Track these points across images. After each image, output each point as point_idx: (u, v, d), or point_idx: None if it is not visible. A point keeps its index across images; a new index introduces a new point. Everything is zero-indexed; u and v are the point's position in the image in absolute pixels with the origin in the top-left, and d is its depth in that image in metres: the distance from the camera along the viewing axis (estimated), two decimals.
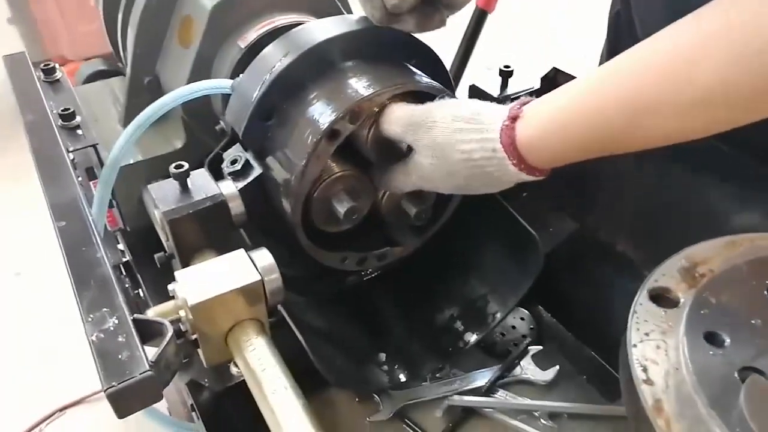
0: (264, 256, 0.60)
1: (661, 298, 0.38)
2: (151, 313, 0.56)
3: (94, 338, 0.51)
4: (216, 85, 0.76)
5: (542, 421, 0.75)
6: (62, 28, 2.43)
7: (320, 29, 0.69)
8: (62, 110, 0.86)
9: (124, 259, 1.00)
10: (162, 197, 0.65)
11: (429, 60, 0.75)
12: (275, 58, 0.68)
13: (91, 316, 0.53)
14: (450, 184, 0.62)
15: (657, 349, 0.35)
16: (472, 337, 0.81)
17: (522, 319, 0.87)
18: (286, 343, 0.67)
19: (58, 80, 0.97)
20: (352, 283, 0.83)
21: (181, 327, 0.58)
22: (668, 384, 0.33)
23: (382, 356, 0.80)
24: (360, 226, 0.74)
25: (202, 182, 0.66)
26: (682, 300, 0.37)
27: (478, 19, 1.18)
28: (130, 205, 0.91)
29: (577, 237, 0.86)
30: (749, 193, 0.67)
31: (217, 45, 0.85)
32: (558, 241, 0.85)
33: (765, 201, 0.63)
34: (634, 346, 0.35)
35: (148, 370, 0.48)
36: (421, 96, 0.69)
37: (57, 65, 0.99)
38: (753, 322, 0.35)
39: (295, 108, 0.67)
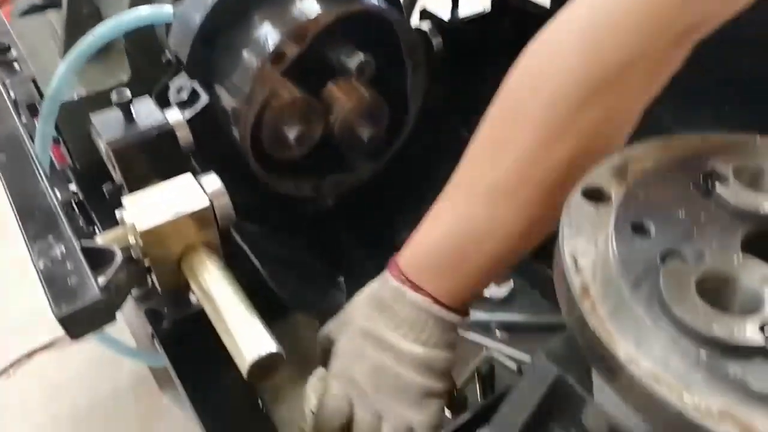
0: (212, 181, 0.60)
1: (594, 196, 0.39)
2: (100, 240, 0.56)
3: (41, 265, 0.51)
4: (157, 11, 0.73)
5: (497, 332, 0.78)
6: None
7: None
8: None
9: (77, 199, 0.98)
10: (106, 127, 0.63)
11: None
12: None
13: (37, 244, 0.52)
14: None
15: (587, 242, 0.36)
16: None
17: None
18: (245, 274, 0.68)
19: None
20: (310, 211, 0.84)
21: (132, 254, 0.58)
22: (595, 272, 0.34)
23: (341, 279, 0.81)
24: (313, 152, 0.74)
25: (147, 111, 0.65)
26: (613, 197, 0.39)
27: None
28: (77, 142, 0.88)
29: None
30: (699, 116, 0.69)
31: None
32: None
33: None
34: (566, 240, 0.36)
35: (98, 294, 0.48)
36: (369, 16, 0.68)
37: None
38: (677, 213, 0.37)
39: (239, 32, 0.66)
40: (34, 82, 0.81)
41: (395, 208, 0.86)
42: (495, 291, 0.82)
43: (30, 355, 1.43)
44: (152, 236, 0.55)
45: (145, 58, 0.89)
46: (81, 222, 0.92)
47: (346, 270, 0.82)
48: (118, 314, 0.53)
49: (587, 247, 0.36)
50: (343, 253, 0.83)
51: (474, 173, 0.54)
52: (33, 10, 1.12)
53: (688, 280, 0.32)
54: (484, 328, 0.79)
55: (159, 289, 0.60)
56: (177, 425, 1.23)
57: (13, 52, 0.83)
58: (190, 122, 0.67)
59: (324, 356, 0.60)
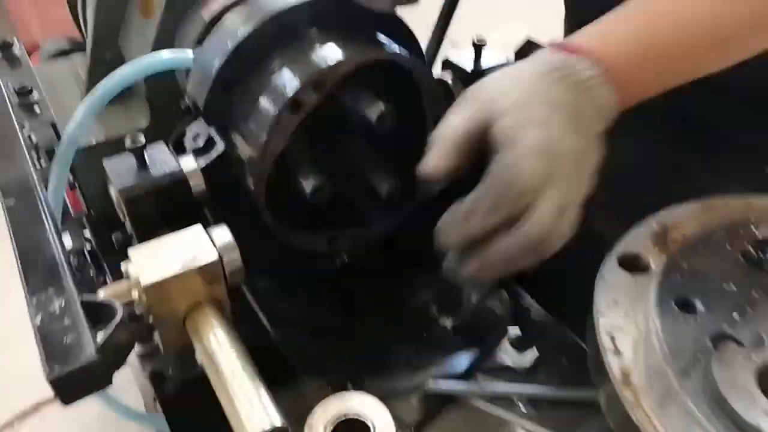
0: (223, 234, 0.57)
1: (631, 265, 0.35)
2: (103, 294, 0.53)
3: (38, 321, 0.48)
4: (178, 55, 0.73)
5: (522, 407, 0.73)
6: (34, 15, 2.37)
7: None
8: (19, 87, 0.83)
9: (90, 246, 0.96)
10: (118, 173, 0.62)
11: (399, 31, 0.72)
12: (237, 26, 0.65)
13: (36, 297, 0.50)
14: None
15: (626, 317, 0.32)
16: (448, 322, 0.79)
17: (500, 301, 0.85)
18: (255, 333, 0.65)
19: (16, 57, 0.93)
20: (325, 267, 0.81)
21: (136, 310, 0.55)
22: (637, 354, 0.30)
23: (356, 343, 0.77)
24: (330, 204, 0.72)
25: (161, 157, 0.63)
26: (653, 266, 0.35)
27: None
28: (93, 188, 0.87)
29: None
30: (730, 165, 0.65)
31: (179, 15, 0.81)
32: None
33: (743, 171, 0.61)
34: (601, 314, 0.32)
35: (95, 355, 0.45)
36: (390, 66, 0.66)
37: (16, 40, 0.95)
38: (726, 287, 0.33)
39: (258, 78, 0.64)
40: (54, 126, 0.80)
41: (413, 266, 0.82)
42: (518, 359, 0.77)
43: (35, 408, 1.40)
44: (157, 291, 0.52)
45: (166, 105, 0.89)
46: (92, 272, 0.90)
47: (360, 331, 0.78)
48: (127, 370, 0.50)
49: (626, 323, 0.32)
50: (357, 313, 0.80)
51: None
52: (59, 54, 1.14)
53: (746, 369, 0.28)
54: (507, 401, 0.73)
55: (162, 349, 0.57)
56: None
57: (35, 95, 0.83)
58: (205, 170, 0.66)
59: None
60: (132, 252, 0.54)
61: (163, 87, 0.85)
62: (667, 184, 0.71)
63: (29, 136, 0.79)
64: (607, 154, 0.76)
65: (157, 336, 0.56)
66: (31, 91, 0.83)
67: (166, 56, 0.70)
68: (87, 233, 0.97)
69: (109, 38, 0.90)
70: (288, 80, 0.62)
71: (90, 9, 0.90)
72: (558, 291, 0.83)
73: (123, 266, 0.55)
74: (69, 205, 0.93)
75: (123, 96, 0.95)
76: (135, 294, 0.53)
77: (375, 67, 0.65)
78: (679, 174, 0.74)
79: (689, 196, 0.69)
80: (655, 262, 0.35)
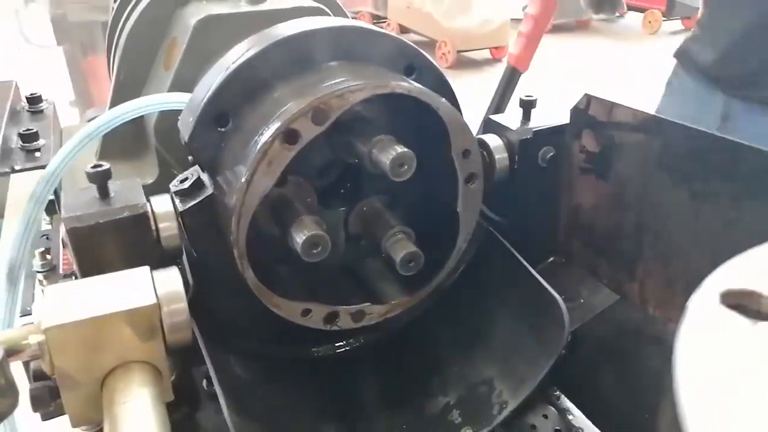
0: (170, 278, 0.45)
1: (742, 308, 0.20)
2: None
3: None
4: (175, 99, 0.65)
5: None
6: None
7: (295, 25, 0.58)
8: (24, 130, 0.78)
9: None
10: (72, 203, 0.51)
11: (433, 79, 0.62)
12: (236, 56, 0.57)
13: None
14: None
15: (745, 397, 0.16)
16: None
17: (545, 416, 0.66)
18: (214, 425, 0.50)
19: (41, 111, 0.91)
20: (322, 354, 0.66)
21: (43, 366, 0.42)
22: None
23: None
24: (332, 271, 0.59)
25: (127, 192, 0.53)
26: None
27: (510, 77, 1.06)
28: None
29: (617, 312, 0.66)
30: None
31: (199, 65, 0.75)
32: (591, 315, 0.65)
33: None
34: (693, 391, 0.17)
35: None
36: (414, 108, 0.55)
37: (44, 97, 0.94)
38: None
39: (252, 109, 0.55)
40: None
41: (432, 363, 0.66)
42: None
43: None
44: (62, 338, 0.40)
45: (177, 161, 0.81)
46: None
47: None
48: None
49: (744, 406, 0.16)
50: (359, 418, 0.62)
51: None
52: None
53: None
54: None
55: (71, 422, 0.43)
56: None
57: (41, 141, 0.78)
58: (186, 215, 0.55)
59: None
60: (48, 290, 0.42)
61: (173, 141, 0.78)
62: None
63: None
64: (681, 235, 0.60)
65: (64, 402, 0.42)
66: (35, 135, 0.78)
67: (155, 98, 0.63)
68: None
69: (132, 92, 0.86)
70: (283, 107, 0.51)
71: (116, 62, 0.87)
72: (618, 408, 0.64)
73: (33, 306, 0.43)
74: (60, 263, 0.84)
75: (137, 152, 0.90)
76: (34, 341, 0.40)
77: (395, 107, 0.55)
78: None
79: None
80: None
